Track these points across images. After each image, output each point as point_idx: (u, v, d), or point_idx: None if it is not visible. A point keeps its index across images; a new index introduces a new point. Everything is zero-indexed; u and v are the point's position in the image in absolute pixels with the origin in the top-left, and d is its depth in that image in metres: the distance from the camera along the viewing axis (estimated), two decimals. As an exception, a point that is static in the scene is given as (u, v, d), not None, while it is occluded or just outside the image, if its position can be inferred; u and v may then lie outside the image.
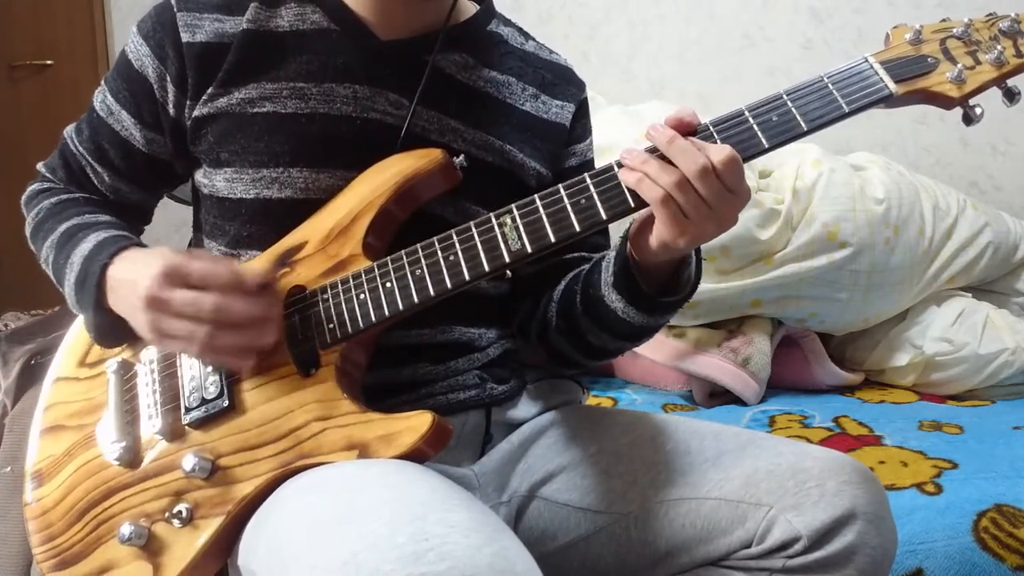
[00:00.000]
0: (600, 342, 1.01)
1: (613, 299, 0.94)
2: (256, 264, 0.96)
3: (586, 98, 1.13)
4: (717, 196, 0.81)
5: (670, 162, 0.82)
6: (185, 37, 0.97)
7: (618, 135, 1.82)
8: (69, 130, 1.09)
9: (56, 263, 1.00)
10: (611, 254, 0.95)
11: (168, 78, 0.98)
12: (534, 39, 1.13)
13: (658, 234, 0.85)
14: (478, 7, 1.08)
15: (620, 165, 0.85)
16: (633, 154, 0.84)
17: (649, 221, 0.86)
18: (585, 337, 1.01)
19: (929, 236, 1.91)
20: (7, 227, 1.13)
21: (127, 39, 1.03)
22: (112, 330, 0.95)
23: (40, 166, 1.12)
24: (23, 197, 1.11)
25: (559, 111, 1.09)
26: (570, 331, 1.02)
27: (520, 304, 1.09)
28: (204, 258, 0.89)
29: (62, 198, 1.06)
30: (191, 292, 0.86)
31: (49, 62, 3.51)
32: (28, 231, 1.07)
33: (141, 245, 0.98)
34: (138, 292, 0.87)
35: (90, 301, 0.93)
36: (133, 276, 0.89)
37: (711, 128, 0.84)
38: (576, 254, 1.07)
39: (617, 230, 1.03)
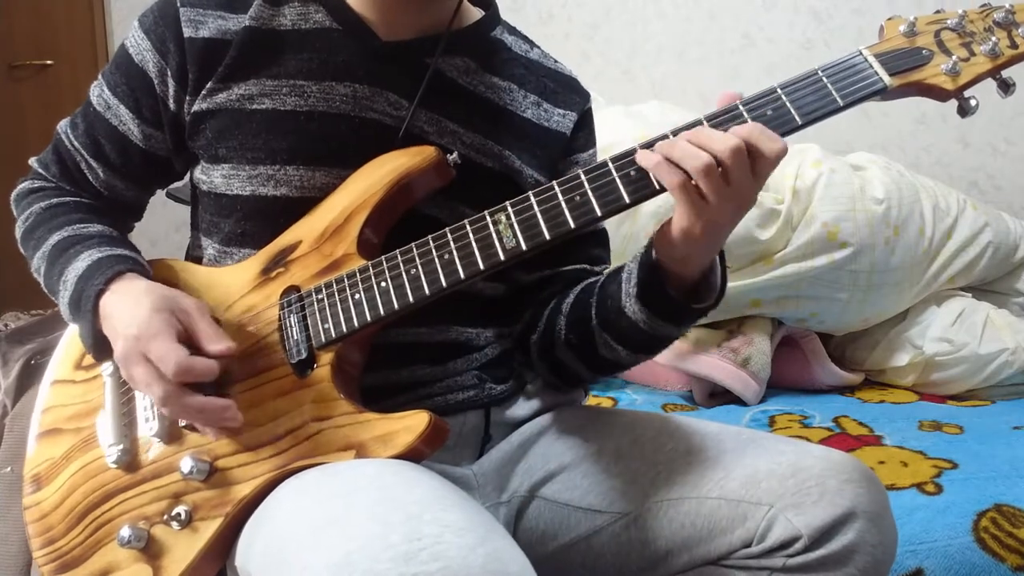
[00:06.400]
0: (613, 356, 0.99)
1: (636, 310, 0.92)
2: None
3: (590, 108, 1.12)
4: (743, 176, 0.80)
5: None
6: (188, 32, 0.97)
7: (618, 135, 1.81)
8: (63, 124, 1.08)
9: (49, 277, 1.00)
10: (631, 266, 0.94)
11: (169, 72, 0.98)
12: (539, 47, 1.12)
13: (678, 221, 0.84)
14: (483, 13, 1.08)
15: (614, 161, 0.85)
16: (659, 142, 0.83)
17: (670, 220, 0.86)
18: (598, 351, 0.99)
19: (929, 236, 1.91)
20: (7, 227, 1.13)
21: (127, 34, 1.02)
22: (106, 347, 0.94)
23: (33, 161, 1.10)
24: (13, 195, 1.09)
25: (560, 119, 1.08)
26: (582, 345, 1.00)
27: (520, 316, 1.07)
28: (184, 315, 0.89)
29: (52, 202, 1.05)
30: (149, 370, 0.86)
31: (49, 62, 3.52)
32: (18, 234, 1.06)
33: (137, 263, 0.97)
34: (115, 340, 0.89)
35: (87, 326, 0.93)
36: (114, 322, 0.90)
37: (706, 123, 0.84)
38: (577, 266, 1.07)
39: (615, 235, 1.02)
